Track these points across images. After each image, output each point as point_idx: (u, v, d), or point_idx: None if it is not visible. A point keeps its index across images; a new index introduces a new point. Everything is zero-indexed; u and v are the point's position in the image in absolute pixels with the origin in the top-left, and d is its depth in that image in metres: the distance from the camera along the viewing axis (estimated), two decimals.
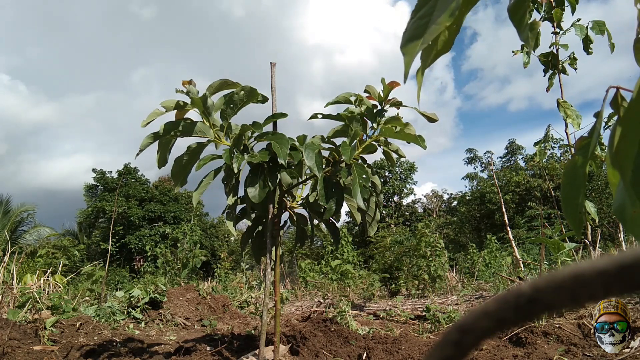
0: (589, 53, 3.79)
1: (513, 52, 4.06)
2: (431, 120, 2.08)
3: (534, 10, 3.84)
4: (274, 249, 2.15)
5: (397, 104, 2.09)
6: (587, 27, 3.73)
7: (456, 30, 0.56)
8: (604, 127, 2.83)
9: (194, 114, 2.07)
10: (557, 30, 3.93)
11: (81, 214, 25.84)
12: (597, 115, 0.54)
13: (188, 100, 2.01)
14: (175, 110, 2.05)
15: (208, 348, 2.84)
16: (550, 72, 3.96)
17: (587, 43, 3.76)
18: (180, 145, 2.15)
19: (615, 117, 0.55)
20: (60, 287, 4.65)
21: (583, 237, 4.01)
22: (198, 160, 2.06)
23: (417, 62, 0.59)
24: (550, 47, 3.99)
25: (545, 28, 4.01)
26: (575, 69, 3.98)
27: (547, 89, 3.94)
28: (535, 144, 4.05)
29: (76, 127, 68.21)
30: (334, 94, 2.25)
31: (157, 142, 2.02)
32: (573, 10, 3.77)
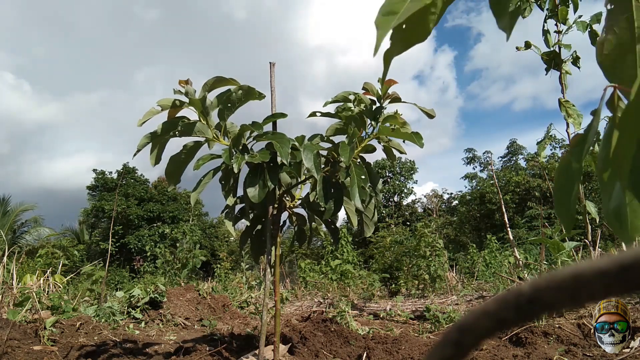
0: None
1: (517, 48, 4.05)
2: (429, 116, 2.08)
3: (537, 7, 3.83)
4: (273, 248, 2.14)
5: (397, 100, 2.09)
6: (589, 23, 3.73)
7: (435, 20, 0.55)
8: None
9: (188, 112, 2.06)
10: (561, 28, 3.92)
11: (83, 213, 25.93)
12: (595, 112, 0.54)
13: (185, 100, 2.01)
14: (170, 109, 2.04)
15: (208, 348, 2.84)
16: (559, 73, 3.95)
17: (593, 37, 3.75)
18: (175, 143, 2.15)
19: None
20: (60, 287, 4.64)
21: (583, 237, 4.00)
22: (194, 159, 2.06)
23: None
24: (552, 47, 3.98)
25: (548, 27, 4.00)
26: (579, 67, 3.97)
27: (563, 92, 3.93)
28: (538, 143, 4.04)
29: (79, 126, 68.43)
30: (336, 94, 2.25)
31: (152, 141, 2.02)
32: (575, 9, 3.76)
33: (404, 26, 0.54)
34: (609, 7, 0.53)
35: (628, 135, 0.45)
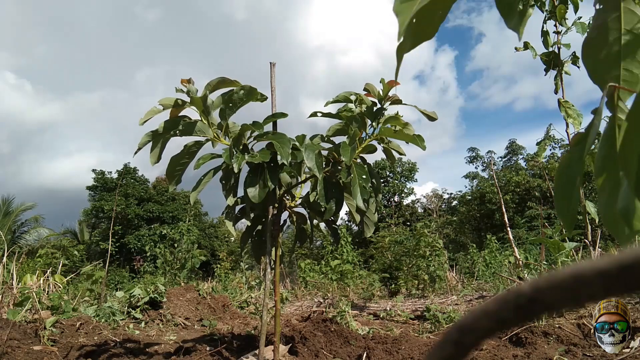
0: None
1: (516, 48, 4.04)
2: (431, 118, 2.08)
3: (536, 8, 3.82)
4: (273, 248, 2.14)
5: (397, 102, 2.09)
6: (588, 24, 3.72)
7: (442, 16, 0.56)
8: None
9: (190, 112, 2.07)
10: (560, 29, 3.92)
11: (83, 213, 25.98)
12: (596, 112, 0.54)
13: (187, 99, 2.01)
14: (172, 108, 2.05)
15: (208, 348, 2.84)
16: (555, 73, 3.95)
17: None
18: (175, 143, 2.15)
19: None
20: (60, 287, 4.64)
21: (583, 237, 4.00)
22: (194, 159, 2.06)
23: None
24: (552, 47, 3.98)
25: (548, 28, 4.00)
26: (578, 67, 3.97)
27: (556, 91, 3.92)
28: (538, 143, 4.04)
29: (80, 126, 68.62)
30: (336, 94, 2.25)
31: (153, 140, 2.02)
32: (576, 10, 3.75)
33: (414, 20, 0.55)
34: (597, 6, 0.53)
35: (636, 133, 0.45)
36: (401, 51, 0.57)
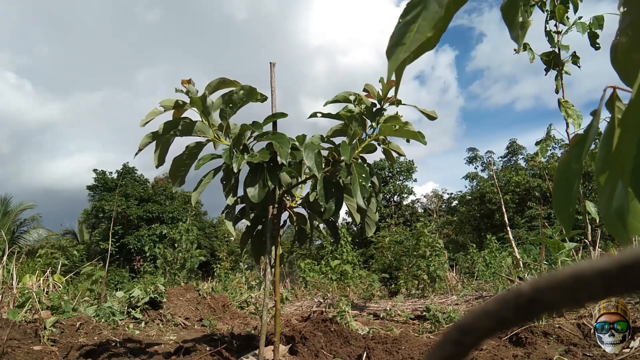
0: (596, 48, 3.77)
1: (515, 50, 4.05)
2: (430, 117, 2.08)
3: (537, 9, 3.82)
4: (273, 248, 2.14)
5: (397, 102, 2.09)
6: (589, 24, 3.72)
7: (442, 29, 0.56)
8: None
9: (192, 113, 2.07)
10: (560, 29, 3.92)
11: (84, 213, 25.99)
12: (595, 113, 0.54)
13: (187, 100, 2.01)
14: (174, 110, 2.05)
15: (208, 348, 2.84)
16: (556, 73, 3.95)
17: (593, 38, 3.74)
18: (179, 143, 2.15)
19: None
20: (59, 287, 4.64)
21: (583, 237, 4.01)
22: (197, 160, 2.06)
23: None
24: (552, 47, 3.98)
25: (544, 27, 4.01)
26: (579, 66, 3.97)
27: (557, 91, 3.93)
28: (537, 143, 4.05)
29: (81, 126, 68.72)
30: (336, 94, 2.26)
31: (155, 141, 2.02)
32: (576, 10, 3.76)
33: (412, 50, 0.56)
34: (622, 9, 0.53)
35: (629, 134, 0.45)
36: (400, 66, 0.58)
